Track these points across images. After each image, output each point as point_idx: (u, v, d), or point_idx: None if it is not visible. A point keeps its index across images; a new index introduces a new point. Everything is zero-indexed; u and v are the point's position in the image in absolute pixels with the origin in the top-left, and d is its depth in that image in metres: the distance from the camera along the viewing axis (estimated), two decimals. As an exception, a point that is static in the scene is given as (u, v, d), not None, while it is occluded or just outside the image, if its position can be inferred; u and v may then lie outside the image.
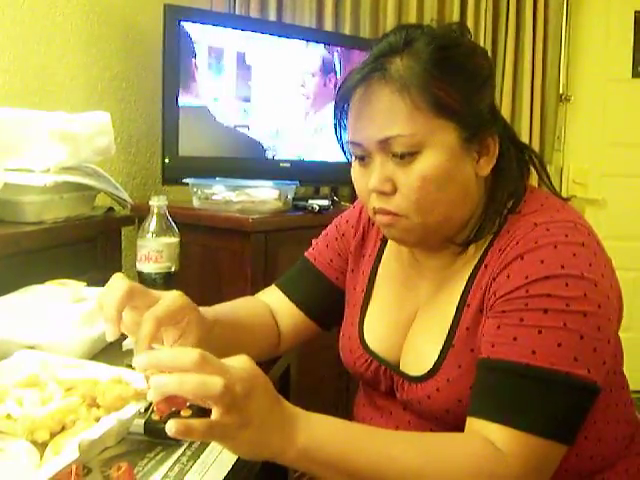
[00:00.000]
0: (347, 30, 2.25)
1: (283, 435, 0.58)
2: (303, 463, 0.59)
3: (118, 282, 0.68)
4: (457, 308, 0.74)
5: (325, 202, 1.69)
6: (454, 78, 0.69)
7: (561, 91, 2.53)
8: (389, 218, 0.73)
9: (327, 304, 0.92)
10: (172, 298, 0.69)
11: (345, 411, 1.63)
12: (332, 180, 2.08)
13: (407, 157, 0.69)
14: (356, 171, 0.76)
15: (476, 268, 0.74)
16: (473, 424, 0.66)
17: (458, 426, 0.69)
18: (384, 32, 2.35)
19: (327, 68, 1.95)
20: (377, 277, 0.87)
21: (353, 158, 0.76)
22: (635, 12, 2.56)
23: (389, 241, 0.88)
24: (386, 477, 0.60)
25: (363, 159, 0.74)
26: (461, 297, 0.74)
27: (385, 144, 0.70)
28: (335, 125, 0.77)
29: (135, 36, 1.83)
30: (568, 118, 2.60)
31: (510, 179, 0.75)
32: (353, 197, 2.16)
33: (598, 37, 2.58)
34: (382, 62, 0.70)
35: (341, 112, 0.75)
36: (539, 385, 0.63)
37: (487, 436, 0.63)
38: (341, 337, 0.89)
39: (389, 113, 0.69)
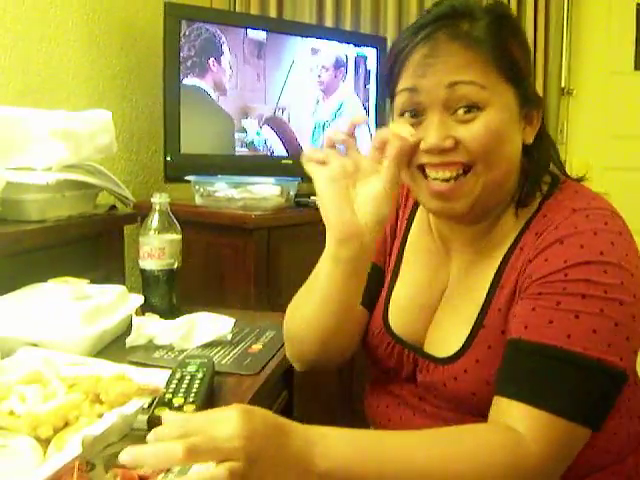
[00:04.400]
0: (348, 26, 2.25)
1: (298, 470, 0.55)
2: None
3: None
4: (490, 289, 0.74)
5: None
6: (518, 44, 0.72)
7: (563, 84, 2.52)
8: (451, 170, 0.69)
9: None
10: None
11: (348, 402, 1.63)
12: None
13: (470, 113, 0.68)
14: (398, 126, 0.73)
15: (510, 250, 0.74)
16: (501, 403, 0.65)
17: (479, 412, 0.69)
18: (384, 28, 2.32)
19: (340, 63, 1.96)
20: (403, 258, 0.86)
21: (395, 114, 0.74)
22: (637, 5, 2.54)
23: (415, 220, 0.87)
24: None
25: (412, 113, 0.71)
26: (494, 278, 0.74)
27: (452, 90, 0.68)
28: (388, 85, 0.75)
29: (136, 34, 1.83)
30: (570, 112, 2.59)
31: (547, 156, 0.77)
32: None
33: (600, 30, 2.57)
34: (448, 22, 0.70)
35: (396, 73, 0.72)
36: (572, 369, 0.63)
37: (513, 416, 0.63)
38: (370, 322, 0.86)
39: (462, 61, 0.68)
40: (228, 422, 0.52)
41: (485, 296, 0.74)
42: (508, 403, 0.64)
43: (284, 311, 1.18)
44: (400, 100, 0.72)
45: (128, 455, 0.50)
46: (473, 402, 0.72)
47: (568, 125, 2.58)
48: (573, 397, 0.63)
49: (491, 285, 0.74)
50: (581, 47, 2.57)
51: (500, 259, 0.74)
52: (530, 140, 0.75)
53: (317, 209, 1.73)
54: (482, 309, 0.74)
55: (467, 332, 0.74)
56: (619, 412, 0.74)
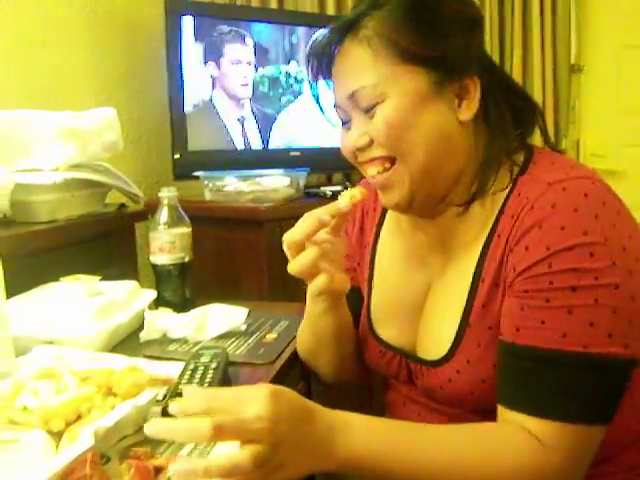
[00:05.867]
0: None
1: (320, 456, 0.56)
2: (341, 472, 0.59)
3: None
4: (471, 284, 0.70)
5: (338, 188, 1.67)
6: (419, 24, 0.68)
7: (573, 61, 2.47)
8: (378, 165, 0.71)
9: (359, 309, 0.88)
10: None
11: (368, 393, 1.62)
12: (344, 166, 2.06)
13: (372, 110, 0.69)
14: (342, 136, 0.75)
15: (488, 239, 0.70)
16: (506, 415, 0.63)
17: (483, 408, 0.67)
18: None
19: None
20: (376, 262, 0.84)
21: (341, 125, 0.76)
22: (647, -24, 2.48)
23: (385, 225, 0.85)
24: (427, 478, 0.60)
25: (346, 123, 0.74)
26: (474, 272, 0.70)
27: (353, 99, 0.70)
28: (313, 92, 0.78)
29: (139, 33, 1.83)
30: (582, 89, 2.53)
31: (502, 127, 0.71)
32: (366, 182, 2.13)
33: (609, 2, 2.51)
34: (354, 21, 0.70)
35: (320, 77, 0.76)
36: (574, 371, 0.60)
37: (523, 427, 0.61)
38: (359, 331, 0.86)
39: (354, 67, 0.70)
40: (256, 402, 0.52)
41: (467, 292, 0.70)
42: (514, 415, 0.62)
43: (298, 301, 1.17)
44: (337, 114, 0.76)
45: (152, 428, 0.50)
46: (473, 400, 0.70)
47: (580, 103, 2.53)
48: (581, 399, 0.60)
49: (472, 280, 0.70)
50: (590, 21, 2.51)
51: (479, 250, 0.70)
52: (466, 116, 0.70)
53: (328, 198, 1.73)
54: (466, 306, 0.70)
55: (454, 332, 0.71)
56: (625, 404, 0.69)
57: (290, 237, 0.70)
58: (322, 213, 0.70)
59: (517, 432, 0.61)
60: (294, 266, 0.70)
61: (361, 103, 0.70)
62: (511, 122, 0.72)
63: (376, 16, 0.69)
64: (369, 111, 0.70)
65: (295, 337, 0.93)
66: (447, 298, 0.74)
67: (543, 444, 0.60)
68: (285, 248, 0.71)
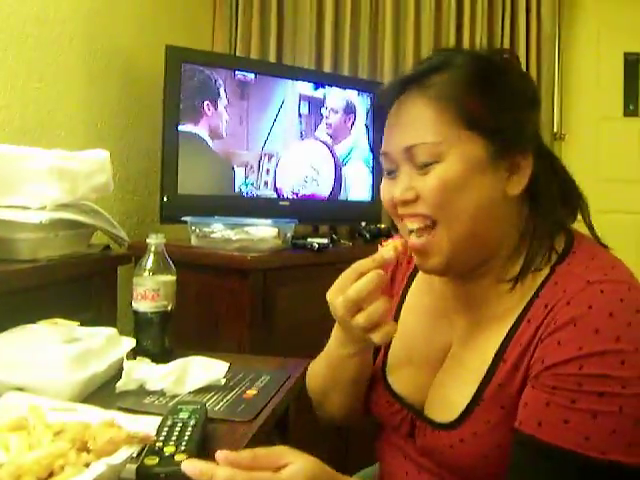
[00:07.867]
0: (345, 71, 2.29)
1: None
2: None
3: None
4: (492, 361, 0.71)
5: (324, 240, 1.68)
6: (487, 93, 0.70)
7: (555, 130, 2.57)
8: (418, 221, 0.71)
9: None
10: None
11: (344, 454, 1.58)
12: (331, 219, 2.08)
13: (427, 167, 0.70)
14: (384, 185, 0.76)
15: (518, 321, 0.70)
16: None
17: (479, 479, 0.67)
18: (382, 73, 2.40)
19: (346, 109, 1.98)
20: (400, 317, 0.85)
21: (384, 173, 0.77)
22: (624, 53, 2.62)
23: (416, 280, 0.86)
24: None
25: (391, 173, 0.75)
26: (497, 351, 0.71)
27: (409, 153, 0.71)
28: (371, 141, 0.80)
29: (135, 75, 1.86)
30: (563, 156, 2.62)
31: (550, 208, 0.73)
32: (351, 236, 2.14)
33: (590, 77, 2.64)
34: (421, 76, 0.72)
35: (379, 124, 0.77)
36: (590, 475, 0.61)
37: None
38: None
39: (416, 122, 0.71)
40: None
41: (487, 368, 0.71)
42: None
43: (280, 355, 1.16)
44: (382, 161, 0.76)
45: (192, 468, 0.55)
46: (471, 471, 0.70)
47: (561, 169, 2.61)
48: None
49: (494, 357, 0.71)
50: (572, 94, 2.63)
51: (506, 329, 0.71)
52: (516, 191, 0.71)
53: (315, 251, 1.73)
54: (482, 382, 0.71)
55: (466, 402, 0.71)
56: None
57: (357, 295, 0.70)
58: (374, 267, 0.71)
59: None
60: (367, 318, 0.70)
61: (417, 158, 0.70)
62: (559, 205, 0.74)
63: (444, 76, 0.70)
64: (422, 168, 0.70)
65: (276, 394, 0.91)
66: (465, 366, 0.74)
67: None
68: (345, 305, 0.71)
